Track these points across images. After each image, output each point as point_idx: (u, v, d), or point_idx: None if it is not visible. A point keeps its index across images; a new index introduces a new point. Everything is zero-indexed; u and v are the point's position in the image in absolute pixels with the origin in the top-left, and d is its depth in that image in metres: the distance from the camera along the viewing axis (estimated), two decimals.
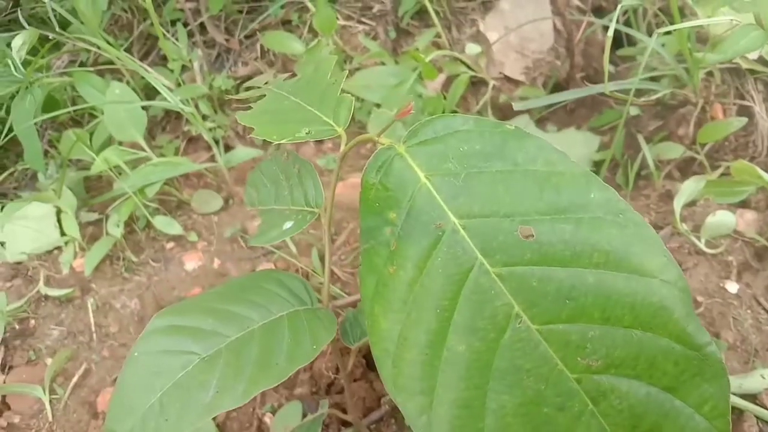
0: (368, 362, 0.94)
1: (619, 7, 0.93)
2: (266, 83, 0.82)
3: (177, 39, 1.49)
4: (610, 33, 0.91)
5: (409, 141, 0.55)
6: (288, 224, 0.69)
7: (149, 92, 1.47)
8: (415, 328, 0.51)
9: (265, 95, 0.75)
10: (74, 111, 1.52)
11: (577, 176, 0.51)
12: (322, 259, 1.10)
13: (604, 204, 0.50)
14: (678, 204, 0.96)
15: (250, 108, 0.72)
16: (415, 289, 0.51)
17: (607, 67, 0.93)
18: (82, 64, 1.58)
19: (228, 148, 1.40)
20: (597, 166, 1.27)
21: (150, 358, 0.58)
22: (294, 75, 0.90)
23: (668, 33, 1.07)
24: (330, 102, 0.68)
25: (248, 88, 0.85)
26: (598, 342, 0.47)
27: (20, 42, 1.31)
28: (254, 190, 0.77)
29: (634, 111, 1.23)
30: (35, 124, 1.30)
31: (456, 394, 0.49)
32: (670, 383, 0.47)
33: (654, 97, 1.03)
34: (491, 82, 1.38)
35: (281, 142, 0.64)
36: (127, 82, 1.50)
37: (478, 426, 0.48)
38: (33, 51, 1.39)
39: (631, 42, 1.44)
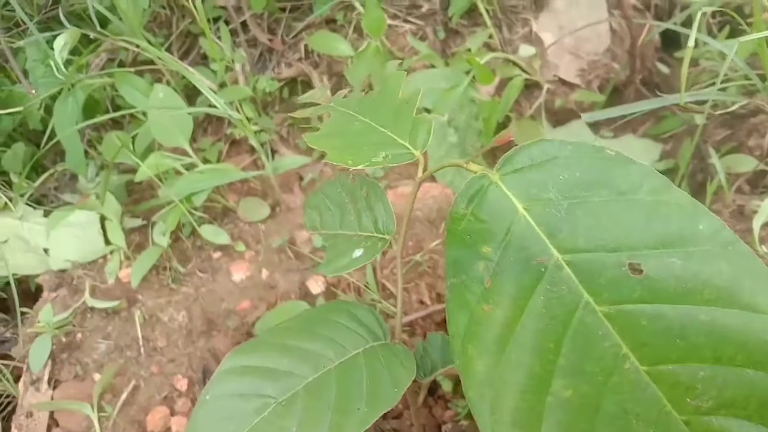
0: (435, 389, 0.90)
1: (699, 14, 0.87)
2: (323, 101, 0.78)
3: (219, 38, 1.46)
4: (691, 42, 0.85)
5: (503, 168, 0.52)
6: (358, 252, 0.65)
7: (189, 93, 1.44)
8: (516, 372, 0.48)
9: (328, 113, 0.71)
10: (117, 116, 1.50)
11: (684, 206, 0.47)
12: (375, 273, 1.07)
13: (712, 236, 0.46)
14: (757, 224, 0.91)
15: (315, 128, 0.69)
16: (515, 330, 0.48)
17: (686, 77, 0.87)
18: (120, 63, 1.55)
19: (272, 152, 1.36)
20: None
21: (223, 402, 0.54)
22: (344, 81, 0.86)
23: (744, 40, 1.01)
24: (405, 122, 0.63)
25: (303, 104, 0.81)
26: (709, 382, 0.44)
27: (62, 42, 1.28)
28: (316, 213, 0.73)
29: (699, 119, 1.17)
30: (83, 124, 1.28)
31: None
32: None
33: (727, 111, 0.98)
34: (545, 85, 1.33)
35: (358, 167, 0.60)
36: (167, 83, 1.47)
37: None
38: (73, 50, 1.36)
39: (687, 42, 1.38)
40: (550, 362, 0.47)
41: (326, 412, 0.53)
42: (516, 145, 0.52)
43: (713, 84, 1.14)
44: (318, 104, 0.78)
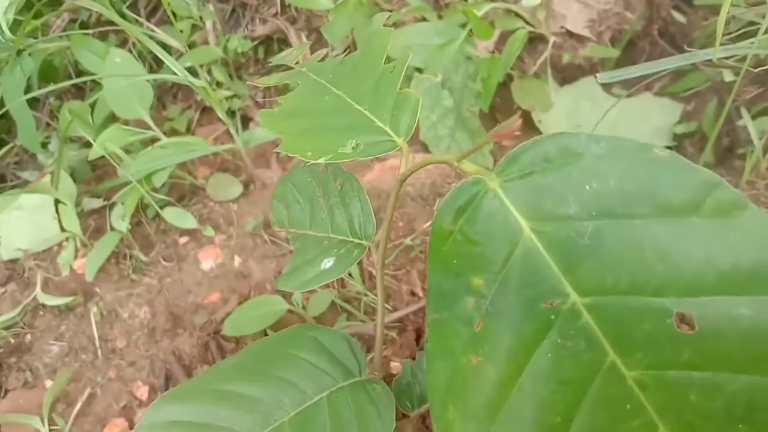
0: (423, 419, 0.78)
1: None
2: (297, 63, 0.64)
3: None
4: None
5: (506, 171, 0.38)
6: (328, 262, 0.52)
7: (157, 56, 1.30)
8: None
9: (296, 82, 0.58)
10: (75, 75, 1.36)
11: (761, 232, 0.33)
12: (360, 262, 0.94)
13: None
14: None
15: (276, 103, 0.55)
16: (511, 395, 0.36)
17: (721, 29, 0.73)
18: (83, 25, 1.40)
19: (247, 120, 1.23)
20: (679, 140, 1.08)
21: None
22: (321, 39, 0.71)
23: None
24: (386, 100, 0.50)
25: (273, 67, 0.67)
26: None
27: (6, 2, 1.13)
28: (284, 206, 0.60)
29: (728, 75, 1.03)
30: (30, 90, 1.14)
31: None
32: None
33: (761, 69, 0.83)
34: (551, 39, 1.18)
35: (318, 161, 0.47)
36: (133, 45, 1.32)
37: None
38: (27, 10, 1.22)
39: None
40: None
41: None
42: (520, 136, 0.39)
43: (740, 36, 1.00)
44: (291, 68, 0.64)
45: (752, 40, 0.80)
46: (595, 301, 0.34)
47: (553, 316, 0.35)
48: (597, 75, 0.81)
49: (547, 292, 0.35)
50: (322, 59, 0.64)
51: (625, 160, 0.36)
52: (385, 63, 0.54)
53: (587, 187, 0.36)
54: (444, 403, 0.37)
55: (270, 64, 1.09)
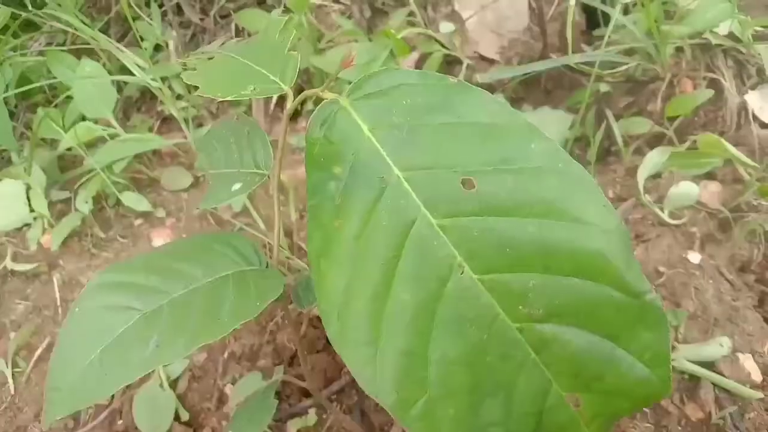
0: (315, 324, 0.93)
1: None
2: (220, 46, 0.81)
3: (152, 19, 1.48)
4: (572, 1, 0.90)
5: (353, 94, 0.55)
6: (236, 186, 0.68)
7: (125, 73, 1.46)
8: (361, 281, 0.51)
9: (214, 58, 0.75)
10: (50, 93, 1.51)
11: (519, 128, 0.51)
12: (291, 235, 1.10)
13: (544, 154, 0.49)
14: (641, 175, 0.96)
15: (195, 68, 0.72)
16: (360, 242, 0.51)
17: (571, 38, 0.92)
18: (59, 46, 1.57)
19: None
20: (569, 143, 1.27)
21: (91, 314, 0.57)
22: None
23: (640, 9, 1.06)
24: (278, 61, 0.67)
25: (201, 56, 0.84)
26: (540, 291, 0.47)
27: None
28: (205, 155, 0.76)
29: (604, 88, 1.22)
30: (9, 104, 1.30)
31: (400, 344, 0.49)
32: (611, 331, 0.47)
33: (621, 68, 1.03)
34: (465, 61, 1.37)
35: (226, 99, 0.63)
36: (104, 64, 1.49)
37: (421, 375, 0.48)
38: (5, 30, 1.38)
39: (608, 22, 1.44)
40: (391, 270, 0.49)
41: (188, 323, 0.56)
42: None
43: (625, 53, 1.20)
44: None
45: (605, 50, 1.00)
46: (411, 174, 0.50)
47: (384, 186, 0.51)
48: (477, 75, 0.99)
49: (380, 170, 0.51)
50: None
51: (430, 85, 0.53)
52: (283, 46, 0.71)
53: (405, 103, 0.53)
54: (318, 260, 0.53)
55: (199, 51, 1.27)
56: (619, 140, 1.08)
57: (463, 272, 0.48)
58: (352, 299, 0.51)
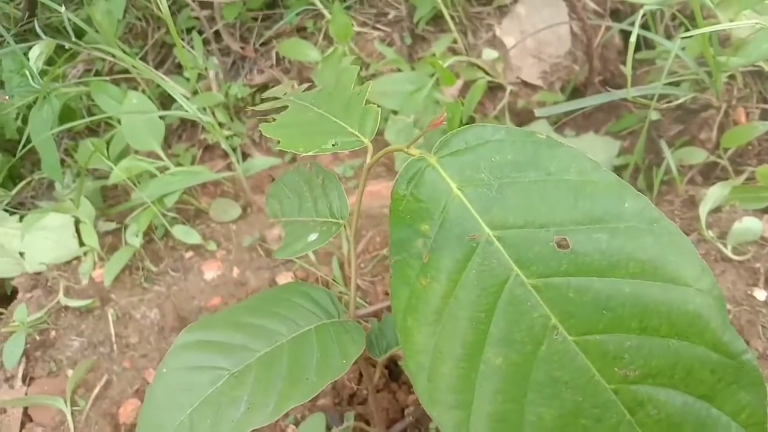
0: (391, 372, 0.93)
1: (641, 11, 0.91)
2: (285, 94, 0.81)
3: (192, 47, 1.49)
4: (633, 38, 0.90)
5: (440, 152, 0.55)
6: (313, 236, 0.68)
7: (165, 101, 1.47)
8: (451, 341, 0.50)
9: (286, 106, 0.75)
10: (88, 116, 1.52)
11: (610, 185, 0.50)
12: (342, 267, 1.10)
13: (638, 213, 0.49)
14: (704, 210, 0.95)
15: (272, 119, 0.72)
16: (450, 302, 0.51)
17: (630, 72, 0.92)
18: (97, 73, 1.58)
19: (244, 155, 1.40)
20: (618, 171, 1.26)
21: (179, 374, 0.57)
22: (312, 84, 0.90)
23: (689, 36, 1.06)
24: (355, 113, 0.67)
25: (265, 99, 0.84)
26: (635, 352, 0.46)
27: (37, 52, 1.31)
28: (276, 201, 0.76)
29: (654, 115, 1.21)
30: (52, 134, 1.30)
31: (494, 408, 0.49)
32: (706, 392, 0.47)
33: (675, 102, 1.02)
34: (508, 87, 1.37)
35: (308, 154, 0.63)
36: (143, 91, 1.50)
37: None
38: (49, 61, 1.39)
39: (649, 45, 1.43)
40: (482, 332, 0.49)
41: (276, 382, 0.56)
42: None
43: (671, 83, 1.20)
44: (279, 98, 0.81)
45: (661, 82, 0.99)
46: (502, 233, 0.50)
47: (474, 245, 0.51)
48: (536, 111, 0.99)
49: (470, 228, 0.51)
50: (305, 90, 0.81)
51: (517, 141, 0.53)
52: (361, 98, 0.71)
53: (493, 160, 0.53)
54: (404, 317, 0.53)
55: (263, 96, 1.27)
56: (674, 170, 1.07)
57: (557, 334, 0.47)
58: (441, 360, 0.51)
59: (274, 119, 0.72)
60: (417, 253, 0.53)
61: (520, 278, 0.48)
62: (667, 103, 1.12)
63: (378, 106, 0.65)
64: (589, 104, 1.00)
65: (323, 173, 0.72)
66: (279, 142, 0.66)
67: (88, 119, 1.32)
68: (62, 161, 1.53)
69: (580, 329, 0.47)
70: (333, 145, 0.65)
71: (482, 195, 0.52)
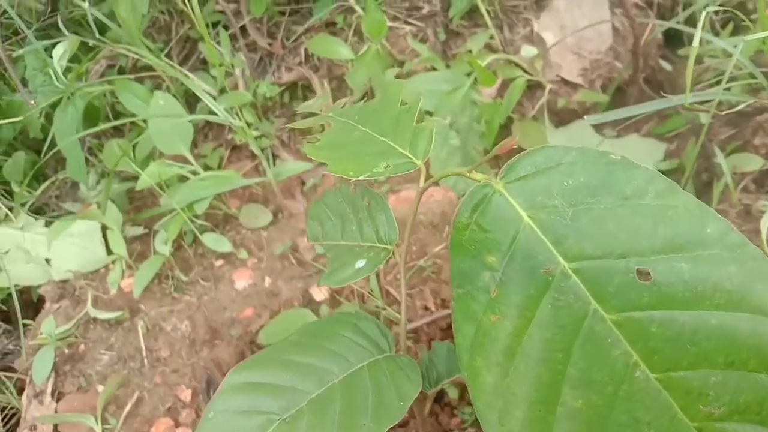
0: (440, 402, 0.89)
1: (704, 12, 0.85)
2: (321, 110, 0.77)
3: (218, 43, 1.45)
4: (696, 42, 0.84)
5: (507, 176, 0.51)
6: (360, 263, 0.64)
7: (189, 99, 1.43)
8: (524, 383, 0.47)
9: (327, 123, 0.71)
10: (113, 116, 1.49)
11: (690, 209, 0.47)
12: (378, 278, 1.06)
13: (720, 238, 0.45)
14: (765, 225, 0.90)
15: (315, 139, 0.68)
16: (523, 341, 0.48)
17: (690, 78, 0.86)
18: (120, 70, 1.54)
19: (273, 157, 1.36)
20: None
21: (226, 419, 0.53)
22: (343, 82, 0.85)
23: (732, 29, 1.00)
24: (405, 131, 0.63)
25: (299, 115, 0.80)
26: (721, 388, 0.43)
27: (61, 50, 1.28)
28: (317, 223, 0.72)
29: (704, 118, 1.16)
30: (83, 134, 1.27)
31: None
32: None
33: (734, 110, 0.96)
34: (548, 86, 1.31)
35: (359, 179, 0.59)
36: (167, 88, 1.46)
37: None
38: (73, 58, 1.36)
39: (691, 39, 1.37)
40: (559, 372, 0.46)
41: (331, 429, 0.52)
42: (520, 150, 0.51)
43: (717, 82, 1.13)
44: (317, 114, 0.77)
45: (721, 86, 0.93)
46: (579, 265, 0.46)
47: (549, 279, 0.47)
48: (586, 117, 0.93)
49: (543, 261, 0.47)
50: (343, 106, 0.77)
51: (590, 163, 0.48)
52: (400, 106, 0.67)
53: (565, 184, 0.48)
54: (471, 355, 0.49)
55: (296, 110, 1.23)
56: (729, 179, 1.02)
57: (639, 371, 0.44)
58: (514, 402, 0.48)
59: (318, 139, 0.67)
60: (483, 287, 0.50)
61: (599, 313, 0.45)
62: (720, 107, 1.05)
63: (424, 116, 0.61)
64: (644, 111, 0.94)
65: (369, 195, 0.68)
66: (326, 164, 0.62)
67: (114, 122, 1.28)
68: (86, 161, 1.49)
69: (663, 366, 0.44)
70: (385, 167, 0.60)
71: (556, 223, 0.48)
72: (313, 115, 0.77)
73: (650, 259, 0.45)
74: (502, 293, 0.48)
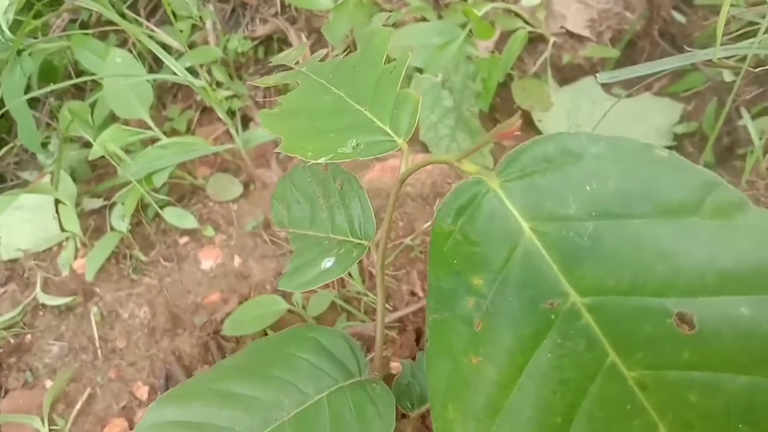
0: (426, 424, 0.77)
1: None
2: (297, 63, 0.64)
3: None
4: None
5: (506, 171, 0.38)
6: (328, 262, 0.52)
7: (157, 56, 1.30)
8: None
9: (296, 82, 0.58)
10: (76, 75, 1.35)
11: (761, 231, 0.33)
12: (360, 261, 0.94)
13: None
14: None
15: (275, 104, 0.55)
16: (511, 395, 0.36)
17: (721, 30, 0.73)
18: (83, 24, 1.40)
19: (247, 120, 1.23)
20: (680, 140, 1.08)
21: None
22: (321, 39, 0.71)
23: None
24: (386, 100, 0.50)
25: (270, 70, 0.67)
26: None
27: (7, 2, 1.13)
28: (284, 206, 0.60)
29: (727, 75, 1.03)
30: (30, 89, 1.14)
31: None
32: None
33: (761, 69, 0.83)
34: (551, 39, 1.18)
35: (319, 161, 0.47)
36: (133, 45, 1.33)
37: None
38: (25, 11, 1.22)
39: None
40: None
41: None
42: (520, 136, 0.39)
43: (741, 36, 1.00)
44: (290, 68, 0.64)
45: (752, 40, 0.80)
46: (596, 301, 0.34)
47: (553, 316, 0.35)
48: (597, 75, 0.81)
49: (547, 292, 0.35)
50: (322, 59, 0.64)
51: (625, 160, 0.36)
52: (384, 63, 0.54)
53: (587, 188, 0.36)
54: (444, 403, 0.37)
55: (270, 65, 1.09)
56: (757, 144, 0.89)
57: None
58: None
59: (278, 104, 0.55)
60: (465, 316, 0.38)
61: (618, 369, 0.33)
62: (742, 62, 0.92)
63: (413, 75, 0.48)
64: (664, 68, 0.81)
65: (342, 176, 0.56)
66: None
67: (68, 82, 1.15)
68: (47, 124, 1.37)
69: None
70: (354, 147, 0.48)
71: (568, 241, 0.35)
72: (286, 69, 0.64)
73: (697, 300, 0.33)
74: (489, 328, 0.37)
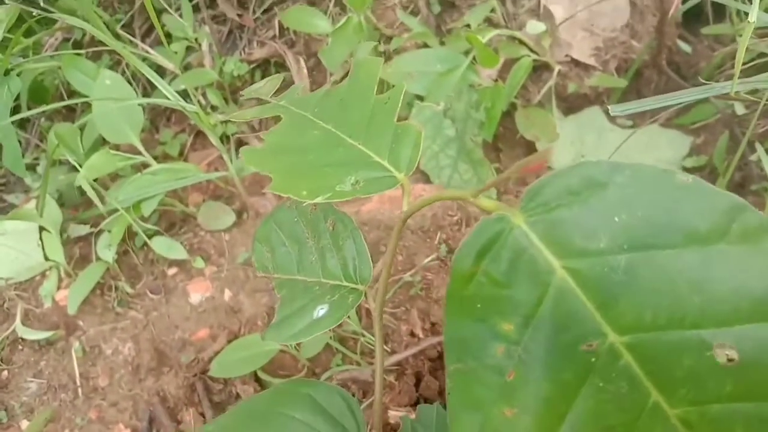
0: None
1: None
2: (274, 94, 0.60)
3: (181, 15, 1.27)
4: (753, 17, 0.67)
5: (529, 206, 0.35)
6: (321, 310, 0.48)
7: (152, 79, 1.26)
8: None
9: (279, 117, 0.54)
10: (67, 95, 1.32)
11: None
12: None
13: None
14: None
15: (258, 140, 0.51)
16: None
17: (740, 63, 0.69)
18: (76, 44, 1.37)
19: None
20: (688, 173, 1.04)
21: None
22: (320, 63, 0.68)
23: None
24: (382, 132, 0.47)
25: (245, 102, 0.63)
26: None
27: None
28: (267, 249, 0.55)
29: (739, 109, 0.99)
30: (19, 111, 1.11)
31: None
32: None
33: None
34: (557, 67, 1.14)
35: (315, 201, 0.43)
36: (126, 66, 1.29)
37: None
38: (14, 29, 1.18)
39: (718, 17, 1.21)
40: None
41: None
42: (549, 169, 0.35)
43: (752, 67, 0.97)
44: (267, 102, 0.60)
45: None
46: (635, 339, 0.32)
47: (593, 359, 0.32)
48: (609, 107, 0.77)
49: (584, 333, 0.32)
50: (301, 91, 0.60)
51: (650, 188, 0.33)
52: (377, 93, 0.51)
53: (616, 219, 0.33)
54: None
55: (242, 98, 1.05)
56: None
57: None
58: None
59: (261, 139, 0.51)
60: (494, 366, 0.35)
61: (660, 409, 0.32)
62: (756, 95, 0.89)
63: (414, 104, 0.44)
64: (681, 101, 0.78)
65: (334, 215, 0.52)
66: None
67: (56, 104, 1.11)
68: (36, 146, 1.33)
69: None
70: (353, 184, 0.44)
71: (603, 278, 0.33)
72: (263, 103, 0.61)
73: (734, 329, 0.31)
74: (523, 377, 0.34)
